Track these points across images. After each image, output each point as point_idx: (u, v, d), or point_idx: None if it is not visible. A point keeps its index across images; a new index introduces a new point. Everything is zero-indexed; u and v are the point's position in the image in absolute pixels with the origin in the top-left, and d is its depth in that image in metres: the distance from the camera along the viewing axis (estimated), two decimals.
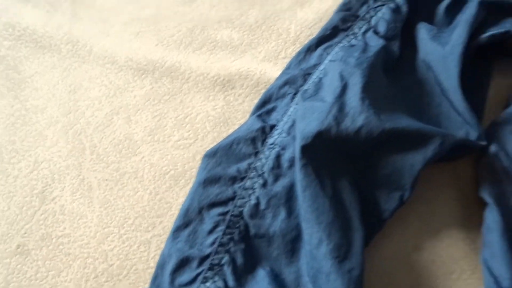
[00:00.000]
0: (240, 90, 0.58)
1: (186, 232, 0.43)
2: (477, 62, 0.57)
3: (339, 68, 0.49)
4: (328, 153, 0.44)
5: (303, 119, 0.45)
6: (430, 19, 0.59)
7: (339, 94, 0.46)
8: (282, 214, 0.43)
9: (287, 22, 0.65)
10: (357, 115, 0.43)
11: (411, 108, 0.51)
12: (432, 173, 0.49)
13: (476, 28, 0.55)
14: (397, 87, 0.53)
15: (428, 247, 0.46)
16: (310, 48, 0.57)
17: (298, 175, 0.42)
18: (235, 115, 0.56)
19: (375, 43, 0.54)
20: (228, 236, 0.43)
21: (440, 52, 0.53)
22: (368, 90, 0.45)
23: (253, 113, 0.53)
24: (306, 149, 0.43)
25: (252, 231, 0.43)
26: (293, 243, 0.43)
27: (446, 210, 0.48)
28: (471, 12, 0.54)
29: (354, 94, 0.45)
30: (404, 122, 0.44)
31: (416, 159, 0.43)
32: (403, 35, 0.57)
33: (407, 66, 0.56)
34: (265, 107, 0.52)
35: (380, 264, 0.45)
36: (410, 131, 0.44)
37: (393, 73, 0.54)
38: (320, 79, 0.51)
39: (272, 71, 0.59)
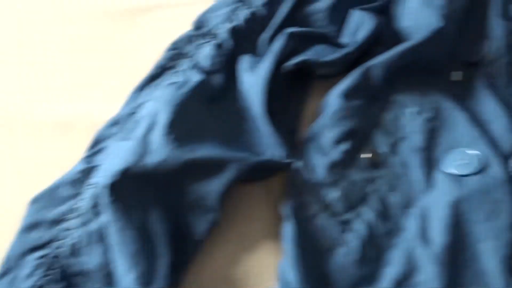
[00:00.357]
0: (78, 134, 0.61)
1: (6, 279, 0.45)
2: (294, 85, 0.63)
3: (154, 106, 0.54)
4: (137, 187, 0.48)
5: (113, 158, 0.49)
6: (255, 51, 0.65)
7: (146, 132, 0.50)
8: (100, 249, 0.47)
9: (131, 62, 0.69)
10: (160, 150, 0.48)
11: (229, 135, 0.56)
12: (248, 192, 0.55)
13: (286, 56, 0.61)
14: (219, 116, 0.58)
15: (244, 260, 0.51)
16: (141, 87, 0.61)
17: (107, 212, 0.46)
18: (73, 158, 0.59)
19: (196, 78, 0.59)
20: (48, 278, 0.45)
21: (252, 81, 0.58)
22: (174, 125, 0.50)
23: (84, 155, 0.56)
24: (113, 187, 0.46)
25: (72, 269, 0.46)
26: (110, 276, 0.46)
27: (261, 225, 0.53)
28: (278, 44, 0.61)
29: (159, 130, 0.49)
30: (204, 151, 0.49)
31: (217, 184, 0.48)
32: (231, 67, 0.63)
33: (231, 96, 0.61)
34: (94, 148, 0.56)
35: (202, 280, 0.49)
36: (208, 159, 0.49)
37: (217, 103, 0.60)
38: (140, 118, 0.55)
39: (112, 112, 0.62)
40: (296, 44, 0.62)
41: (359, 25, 0.64)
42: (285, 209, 0.50)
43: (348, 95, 0.56)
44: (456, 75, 0.63)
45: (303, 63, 0.59)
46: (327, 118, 0.56)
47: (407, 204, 0.53)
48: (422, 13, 0.63)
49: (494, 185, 0.51)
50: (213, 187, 0.48)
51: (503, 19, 0.64)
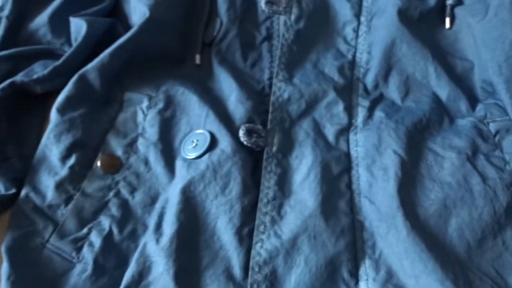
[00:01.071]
0: None
1: None
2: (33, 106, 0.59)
3: None
4: None
5: None
6: None
7: None
8: None
9: None
10: None
11: None
12: None
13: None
14: None
15: None
16: None
17: None
18: None
19: None
20: None
21: None
22: None
23: None
24: None
25: None
26: None
27: None
28: None
29: None
30: None
31: None
32: None
33: None
34: None
35: None
36: None
37: None
38: None
39: None
40: (10, 67, 0.58)
41: (77, 32, 0.61)
42: (4, 246, 0.46)
43: (64, 108, 0.54)
44: (198, 58, 0.63)
45: (11, 85, 0.55)
46: (48, 136, 0.53)
47: (152, 201, 0.52)
48: (137, 6, 0.62)
49: (224, 160, 0.51)
50: None
51: None
